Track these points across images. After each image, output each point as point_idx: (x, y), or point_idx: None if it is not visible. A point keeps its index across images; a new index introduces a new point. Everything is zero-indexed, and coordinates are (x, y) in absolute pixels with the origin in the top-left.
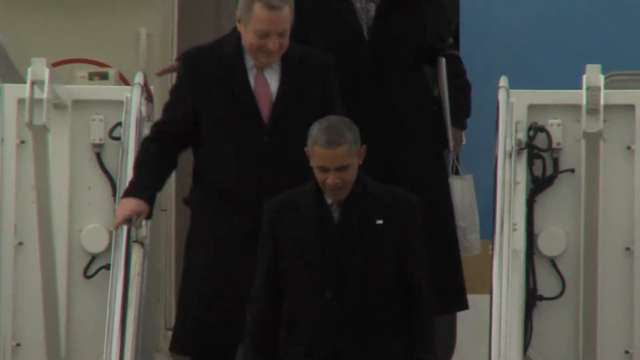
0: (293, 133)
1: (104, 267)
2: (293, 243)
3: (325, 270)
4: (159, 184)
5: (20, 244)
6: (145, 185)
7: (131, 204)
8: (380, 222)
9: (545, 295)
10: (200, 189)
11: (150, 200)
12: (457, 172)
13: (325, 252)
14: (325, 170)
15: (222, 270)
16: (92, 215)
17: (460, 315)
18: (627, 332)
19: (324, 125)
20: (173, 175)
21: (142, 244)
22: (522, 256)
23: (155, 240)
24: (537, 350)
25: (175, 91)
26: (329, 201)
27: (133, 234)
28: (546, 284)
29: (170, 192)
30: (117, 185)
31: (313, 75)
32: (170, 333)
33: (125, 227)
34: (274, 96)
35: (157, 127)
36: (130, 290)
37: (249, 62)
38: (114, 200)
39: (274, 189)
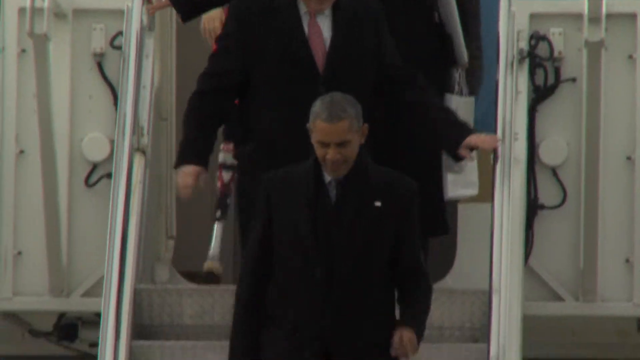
0: (348, 82)
1: (105, 175)
2: (286, 218)
3: (316, 249)
4: (212, 145)
5: (22, 152)
6: (202, 149)
7: (192, 173)
8: (378, 204)
9: (547, 204)
10: (251, 144)
11: (206, 164)
12: (461, 93)
13: (317, 231)
14: (325, 145)
15: None
16: (93, 124)
17: (462, 225)
18: (628, 240)
19: (326, 100)
20: (174, 82)
21: (143, 152)
22: (523, 166)
23: (157, 149)
24: (538, 260)
25: (224, 40)
26: (327, 179)
27: (135, 142)
28: (547, 194)
29: (171, 100)
30: (118, 94)
31: (365, 23)
32: (171, 242)
33: (127, 136)
34: (327, 44)
35: (208, 82)
36: (131, 199)
37: (302, 8)
38: (115, 109)
39: None
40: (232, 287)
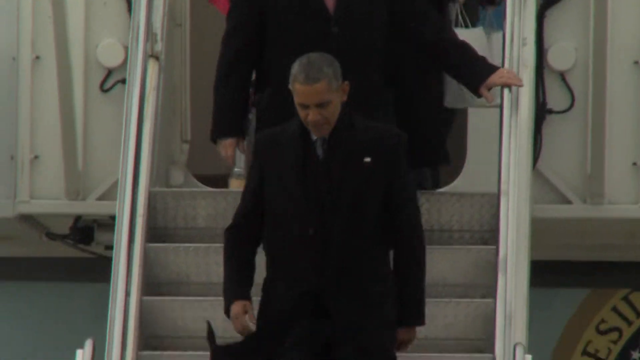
0: (359, 22)
1: (120, 81)
2: (277, 178)
3: (308, 207)
4: (245, 109)
5: (38, 58)
6: (235, 117)
7: (231, 145)
8: (368, 159)
9: (555, 109)
10: (268, 89)
11: (241, 131)
12: (465, 25)
13: (308, 189)
14: (305, 107)
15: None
16: (107, 30)
17: (471, 129)
18: (635, 144)
19: (303, 61)
20: None
21: (157, 58)
22: (531, 70)
23: (171, 55)
24: (547, 163)
25: None
26: (314, 137)
27: (149, 48)
28: (555, 98)
29: (185, 6)
30: (132, 1)
31: None
32: (186, 145)
33: (141, 43)
34: None
35: (232, 45)
36: (145, 104)
37: None
38: (129, 15)
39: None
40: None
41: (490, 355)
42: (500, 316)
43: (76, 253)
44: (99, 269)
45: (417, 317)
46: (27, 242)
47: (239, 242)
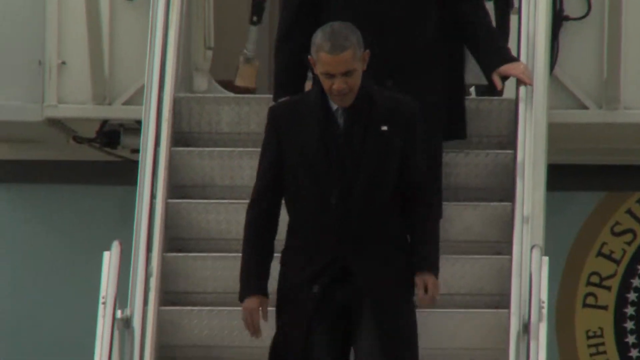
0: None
1: None
2: (297, 149)
3: (330, 176)
4: (304, 74)
5: None
6: (297, 84)
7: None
8: (385, 128)
9: (571, 15)
10: None
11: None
12: None
13: (330, 158)
14: (331, 76)
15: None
16: None
17: None
18: None
19: (327, 31)
20: None
21: None
22: None
23: None
24: (563, 69)
25: None
26: (334, 107)
27: None
28: (572, 5)
29: None
30: None
31: None
32: (209, 52)
33: None
34: None
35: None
36: (171, 10)
37: None
38: None
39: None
40: (268, 96)
41: (508, 257)
42: (517, 219)
43: (102, 156)
44: (125, 172)
45: (430, 265)
46: (54, 146)
47: (260, 224)
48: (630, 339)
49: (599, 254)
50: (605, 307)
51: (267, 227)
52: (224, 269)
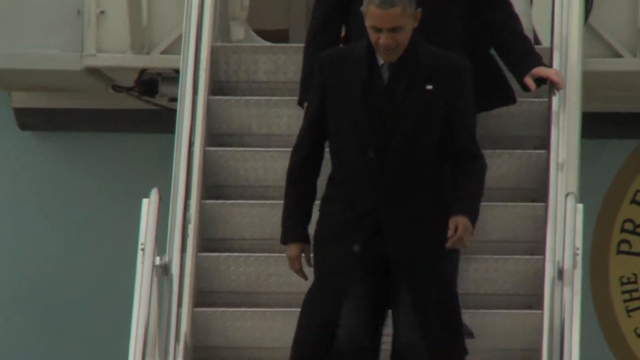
0: None
1: None
2: (341, 100)
3: (369, 128)
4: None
5: None
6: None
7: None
8: (430, 87)
9: None
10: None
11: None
12: None
13: (371, 112)
14: (378, 30)
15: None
16: None
17: None
18: None
19: None
20: None
21: None
22: None
23: None
24: (598, 18)
25: None
26: (380, 62)
27: None
28: None
29: None
30: None
31: None
32: (246, 1)
33: None
34: None
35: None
36: None
37: None
38: None
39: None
40: (302, 46)
41: (543, 204)
42: (552, 167)
43: (141, 105)
44: (163, 121)
45: (465, 207)
46: (93, 95)
47: (301, 169)
48: None
49: (633, 201)
50: (639, 254)
51: (308, 172)
52: (261, 215)
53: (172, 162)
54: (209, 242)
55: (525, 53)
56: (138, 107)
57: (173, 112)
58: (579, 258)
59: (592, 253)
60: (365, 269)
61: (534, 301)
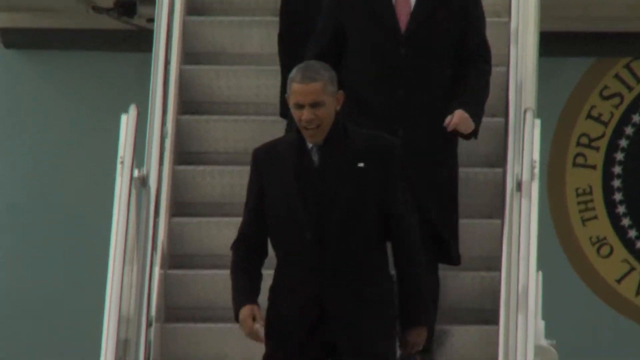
0: (429, 45)
1: None
2: (275, 186)
3: (305, 212)
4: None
5: None
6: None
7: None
8: (361, 165)
9: None
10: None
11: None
12: None
13: (304, 194)
14: (300, 107)
15: None
16: None
17: None
18: None
19: (301, 66)
20: None
21: None
22: None
23: None
24: None
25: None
26: (310, 145)
27: None
28: None
29: None
30: None
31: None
32: None
33: None
34: (412, 4)
35: (314, 48)
36: None
37: None
38: None
39: (409, 105)
40: None
41: (502, 119)
42: (512, 83)
43: (120, 25)
44: (141, 41)
45: (419, 318)
46: (75, 15)
47: (245, 254)
48: (617, 197)
49: (588, 116)
50: (593, 167)
51: (253, 261)
52: (234, 130)
53: (150, 79)
54: (185, 155)
55: (464, 102)
56: (117, 27)
57: (150, 32)
58: (537, 171)
59: (550, 166)
60: (312, 356)
61: (494, 212)
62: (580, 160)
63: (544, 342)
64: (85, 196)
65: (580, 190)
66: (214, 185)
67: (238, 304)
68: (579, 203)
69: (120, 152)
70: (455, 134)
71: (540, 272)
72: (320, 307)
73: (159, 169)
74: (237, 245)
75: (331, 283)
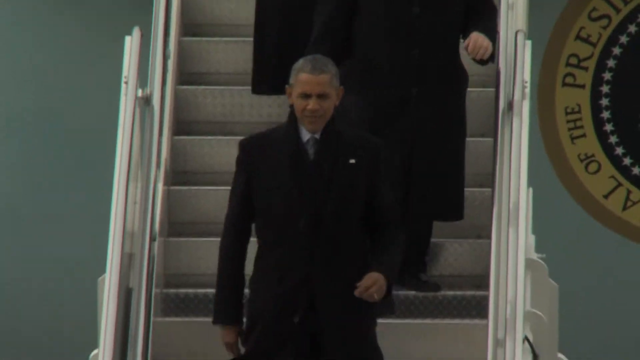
0: (442, 6)
1: None
2: (267, 177)
3: (300, 201)
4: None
5: None
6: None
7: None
8: (352, 161)
9: None
10: (353, 58)
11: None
12: None
13: (301, 185)
14: (307, 96)
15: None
16: None
17: None
18: None
19: (309, 57)
20: None
21: None
22: None
23: None
24: None
25: None
26: (305, 138)
27: None
28: None
29: None
30: None
31: None
32: None
33: None
34: None
35: (325, 25)
36: None
37: None
38: None
39: (423, 64)
40: None
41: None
42: (503, 7)
43: None
44: None
45: (381, 265)
46: None
47: (233, 251)
48: (605, 115)
49: (577, 37)
50: (582, 86)
51: (239, 254)
52: (234, 51)
53: (152, 3)
54: (187, 76)
55: (478, 25)
56: None
57: None
58: (527, 90)
59: (540, 86)
60: (296, 348)
61: (487, 130)
62: (569, 80)
63: (534, 256)
64: (89, 118)
65: (569, 109)
66: (215, 104)
67: (222, 317)
68: (568, 121)
69: (125, 73)
70: (478, 61)
71: (530, 188)
72: (309, 292)
73: (161, 89)
74: (225, 238)
75: (322, 271)
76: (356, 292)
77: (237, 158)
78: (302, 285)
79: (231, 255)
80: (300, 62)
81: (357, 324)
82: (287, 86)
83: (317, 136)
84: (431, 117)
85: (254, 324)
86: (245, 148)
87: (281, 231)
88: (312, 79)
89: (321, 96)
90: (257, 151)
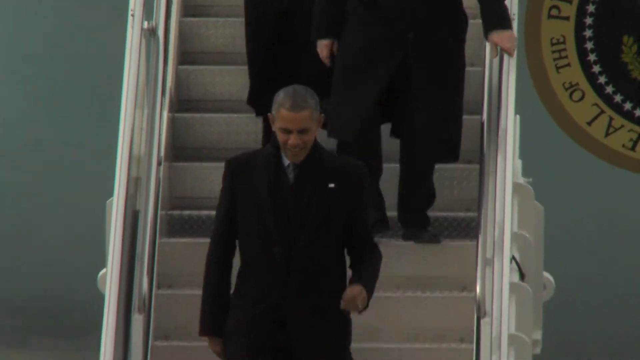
0: None
1: None
2: (248, 198)
3: (275, 227)
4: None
5: None
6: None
7: (327, 46)
8: (332, 185)
9: None
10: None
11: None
12: None
13: (277, 210)
14: (288, 132)
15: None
16: None
17: None
18: None
19: (289, 91)
20: None
21: None
22: None
23: None
24: None
25: None
26: (286, 163)
27: None
28: None
29: None
30: None
31: None
32: None
33: None
34: None
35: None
36: None
37: None
38: None
39: (421, 9)
40: None
41: None
42: None
43: None
44: None
45: (361, 278)
46: None
47: (219, 265)
48: (589, 45)
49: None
50: (567, 18)
51: (225, 268)
52: None
53: None
54: (190, 8)
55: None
56: None
57: None
58: (515, 22)
59: (526, 18)
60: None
61: (475, 59)
62: (554, 12)
63: (521, 180)
64: (99, 48)
65: (554, 40)
66: (217, 35)
67: (208, 329)
68: (553, 52)
69: (131, 5)
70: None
71: (517, 116)
72: (279, 316)
73: (166, 21)
74: (211, 251)
75: (294, 295)
76: (342, 303)
77: (223, 175)
78: (274, 311)
79: (217, 268)
80: (281, 96)
81: (328, 345)
82: (269, 114)
83: (298, 162)
84: (427, 64)
85: (228, 340)
86: (231, 167)
87: (258, 254)
88: (292, 117)
89: (302, 131)
90: (241, 171)
